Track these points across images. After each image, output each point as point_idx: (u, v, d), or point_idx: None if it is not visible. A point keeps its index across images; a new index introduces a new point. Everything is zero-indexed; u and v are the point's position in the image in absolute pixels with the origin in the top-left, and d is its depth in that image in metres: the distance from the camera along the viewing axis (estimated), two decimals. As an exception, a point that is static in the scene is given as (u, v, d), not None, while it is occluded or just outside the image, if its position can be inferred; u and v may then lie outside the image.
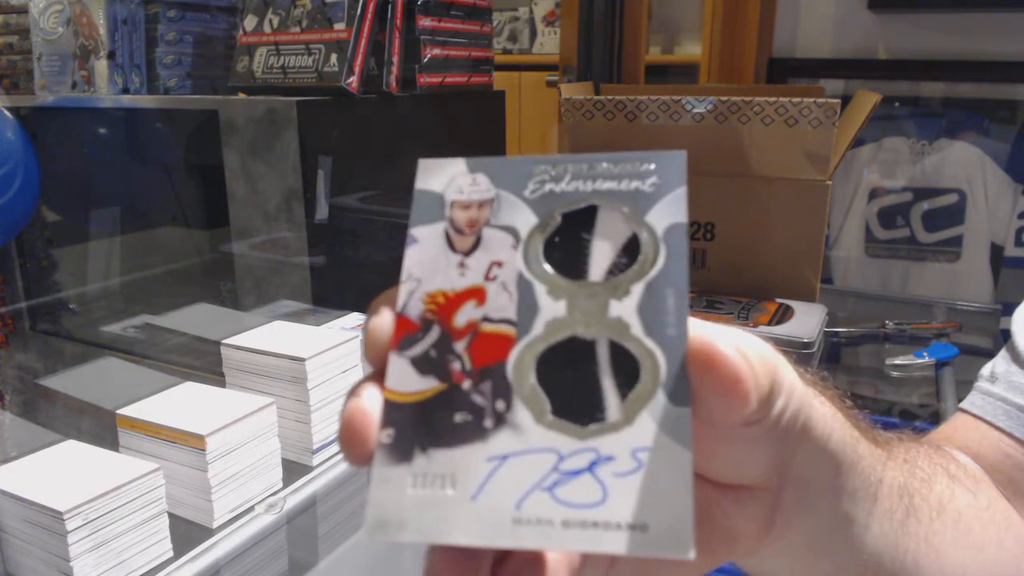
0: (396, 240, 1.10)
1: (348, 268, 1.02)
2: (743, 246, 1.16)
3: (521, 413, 0.22)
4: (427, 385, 0.23)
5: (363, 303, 0.90)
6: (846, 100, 1.19)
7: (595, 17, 1.66)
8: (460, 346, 0.23)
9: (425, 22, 1.07)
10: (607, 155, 0.24)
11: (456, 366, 0.23)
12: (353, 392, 0.23)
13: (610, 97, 1.19)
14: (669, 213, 0.24)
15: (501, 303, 0.23)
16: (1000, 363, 0.48)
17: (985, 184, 1.68)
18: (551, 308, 0.23)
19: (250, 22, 1.06)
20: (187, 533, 0.66)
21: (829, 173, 1.10)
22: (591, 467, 0.21)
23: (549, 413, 0.22)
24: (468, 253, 0.24)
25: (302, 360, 0.75)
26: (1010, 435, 0.44)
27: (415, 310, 0.24)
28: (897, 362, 1.07)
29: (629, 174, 0.24)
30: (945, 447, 0.44)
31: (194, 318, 1.13)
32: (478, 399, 0.22)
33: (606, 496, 0.21)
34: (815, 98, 1.07)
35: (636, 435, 0.21)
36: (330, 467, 0.78)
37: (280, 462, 0.74)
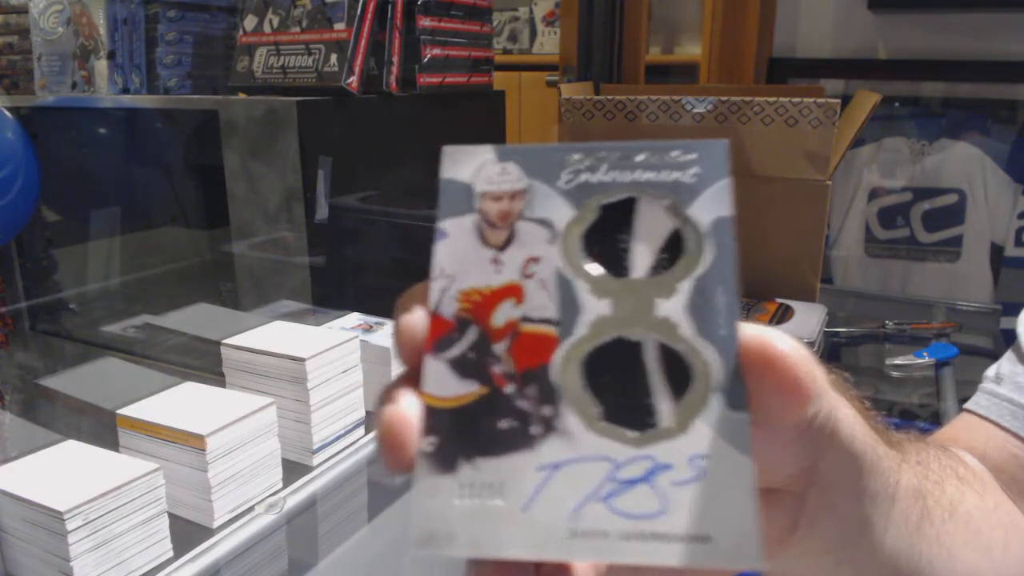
0: (396, 240, 1.10)
1: (348, 268, 1.02)
2: (743, 246, 1.16)
3: (570, 419, 0.21)
4: (468, 389, 0.21)
5: (363, 303, 0.89)
6: (846, 100, 1.19)
7: (595, 17, 1.66)
8: (500, 348, 0.22)
9: (425, 22, 1.07)
10: (645, 143, 0.23)
11: (497, 369, 0.22)
12: (388, 396, 0.21)
13: (610, 97, 1.19)
14: (713, 205, 0.23)
15: (540, 302, 0.22)
16: (1005, 364, 0.48)
17: (985, 184, 1.68)
18: (594, 307, 0.22)
19: (250, 22, 1.06)
20: (187, 533, 0.66)
21: (829, 173, 1.10)
22: (648, 476, 0.20)
23: (600, 419, 0.21)
24: (502, 248, 0.22)
25: (302, 360, 0.75)
26: (1016, 436, 0.45)
27: (449, 309, 0.22)
28: (897, 362, 1.07)
29: (669, 164, 0.23)
30: (951, 448, 0.44)
31: (194, 318, 1.13)
32: (523, 404, 0.21)
33: (666, 506, 0.20)
34: (815, 98, 1.07)
35: (693, 442, 0.20)
36: (330, 467, 0.78)
37: (280, 462, 0.74)
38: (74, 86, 1.18)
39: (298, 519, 0.72)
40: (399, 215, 1.10)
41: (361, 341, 0.83)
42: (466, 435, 0.21)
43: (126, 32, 1.13)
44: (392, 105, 1.06)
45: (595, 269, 0.22)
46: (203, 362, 1.03)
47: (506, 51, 2.98)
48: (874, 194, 1.77)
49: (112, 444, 0.69)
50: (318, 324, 0.88)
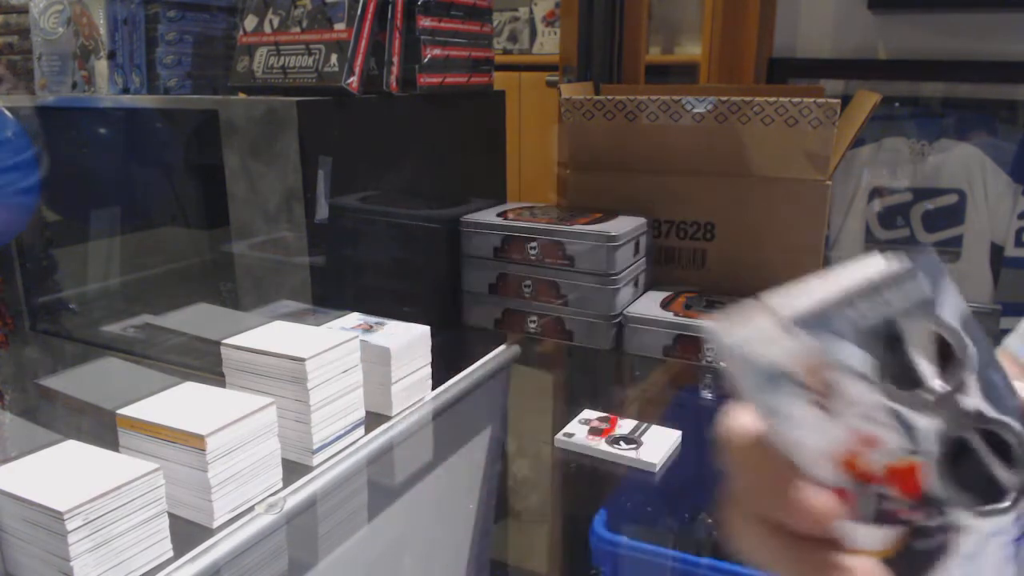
0: (396, 240, 1.10)
1: (348, 268, 1.02)
2: (743, 246, 1.16)
3: (961, 516, 0.26)
4: (890, 532, 0.26)
5: (363, 303, 0.89)
6: (846, 100, 1.19)
7: (595, 17, 1.66)
8: (888, 489, 0.26)
9: (425, 22, 1.07)
10: (879, 279, 0.27)
11: (896, 505, 0.26)
12: (839, 565, 0.26)
13: (610, 97, 1.19)
14: (954, 306, 0.27)
15: (888, 438, 0.26)
16: None
17: (985, 184, 1.68)
18: (922, 423, 0.26)
19: (250, 22, 1.06)
20: (187, 533, 0.66)
21: (829, 173, 1.10)
22: None
23: (978, 506, 0.26)
24: (830, 407, 0.25)
25: (302, 360, 0.75)
26: None
27: (831, 475, 0.26)
28: (897, 362, 1.07)
29: (906, 285, 0.27)
30: None
31: (194, 318, 1.13)
32: (928, 522, 0.26)
33: None
34: (815, 98, 1.07)
35: None
36: (330, 467, 0.78)
37: (280, 462, 0.74)
38: (74, 86, 1.18)
39: (298, 519, 0.72)
40: (399, 215, 1.10)
41: (361, 341, 0.83)
42: (908, 566, 0.26)
43: (126, 32, 1.13)
44: (392, 105, 1.06)
45: (908, 391, 0.26)
46: (203, 362, 1.03)
47: (506, 51, 2.98)
48: (874, 194, 1.77)
49: (112, 444, 0.69)
50: (318, 324, 0.88)
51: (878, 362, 0.26)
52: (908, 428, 0.26)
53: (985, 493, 0.26)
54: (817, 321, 0.26)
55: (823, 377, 0.25)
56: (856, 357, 0.26)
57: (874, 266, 0.27)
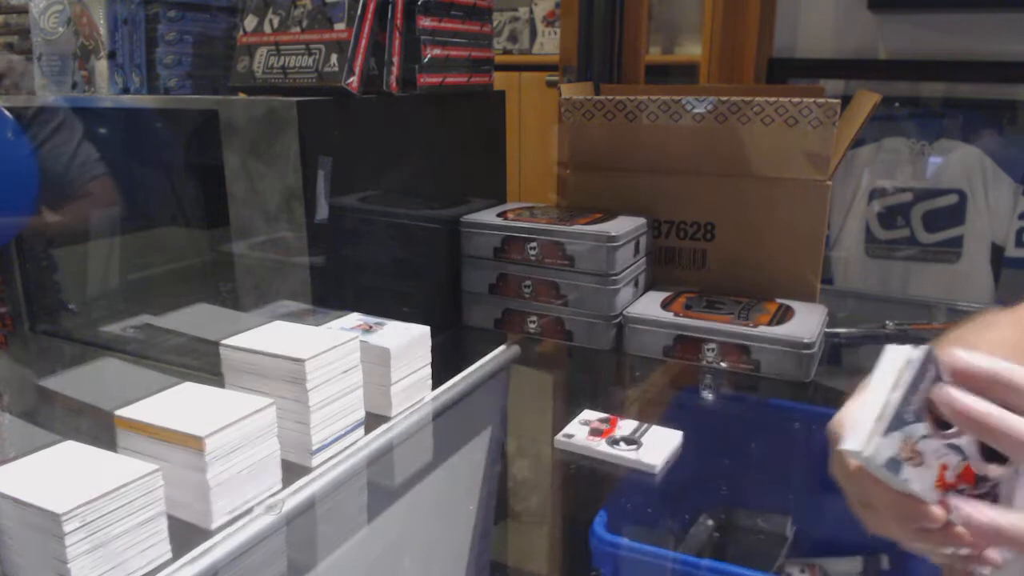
0: (396, 240, 1.10)
1: (348, 268, 1.02)
2: (743, 246, 1.16)
3: (996, 476, 0.47)
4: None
5: (363, 303, 0.89)
6: (846, 100, 1.19)
7: (595, 17, 1.66)
8: (960, 486, 0.47)
9: (425, 22, 1.07)
10: (909, 376, 0.46)
11: (966, 493, 0.47)
12: (957, 535, 0.46)
13: (610, 97, 1.19)
14: (927, 364, 0.47)
15: (953, 460, 0.47)
16: None
17: (985, 184, 1.68)
18: (961, 441, 0.47)
19: (250, 22, 1.06)
20: (186, 535, 0.66)
21: (829, 173, 1.10)
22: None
23: (1002, 466, 0.47)
24: (919, 461, 0.46)
25: (302, 361, 0.75)
26: None
27: (937, 497, 0.46)
28: (898, 363, 1.07)
29: (922, 369, 0.46)
30: None
31: (194, 318, 1.13)
32: (982, 490, 0.47)
33: None
34: (815, 98, 1.07)
35: None
36: (329, 468, 0.78)
37: (279, 463, 0.74)
38: (74, 86, 1.18)
39: (297, 521, 0.72)
40: (399, 215, 1.10)
41: (361, 341, 0.83)
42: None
43: (126, 32, 1.13)
44: (392, 105, 1.06)
45: (948, 428, 0.47)
46: (202, 362, 1.03)
47: (506, 51, 2.98)
48: (874, 194, 1.77)
49: (111, 445, 0.69)
50: (318, 324, 0.88)
51: (929, 421, 0.46)
52: (956, 448, 0.46)
53: (1001, 456, 0.46)
54: (895, 422, 0.45)
55: (911, 448, 0.45)
56: (920, 426, 0.46)
57: (896, 360, 0.46)
